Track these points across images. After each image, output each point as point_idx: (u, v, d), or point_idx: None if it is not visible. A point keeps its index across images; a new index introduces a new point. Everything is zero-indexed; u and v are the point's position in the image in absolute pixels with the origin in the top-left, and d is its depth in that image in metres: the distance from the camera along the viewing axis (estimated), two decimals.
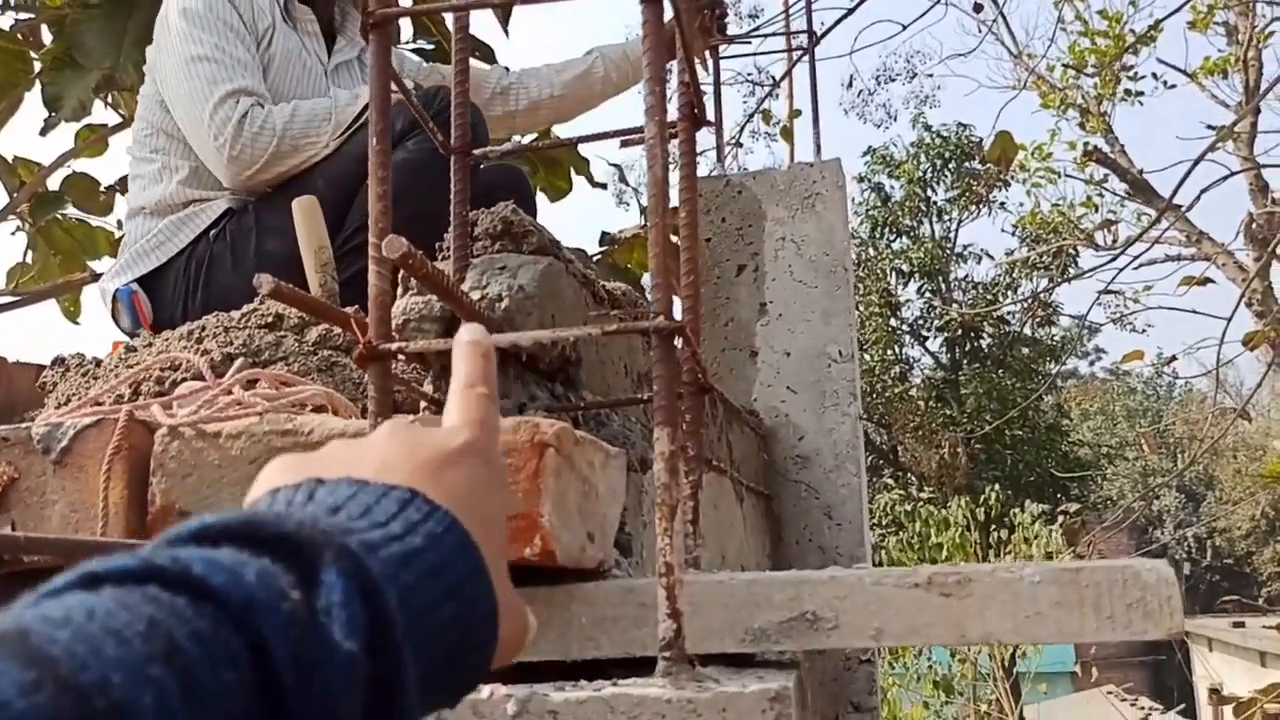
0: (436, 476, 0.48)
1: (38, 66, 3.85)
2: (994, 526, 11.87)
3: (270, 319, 1.26)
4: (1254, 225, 7.60)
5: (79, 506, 0.93)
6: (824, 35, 2.64)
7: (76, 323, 4.56)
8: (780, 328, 2.38)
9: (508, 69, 2.49)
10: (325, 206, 1.79)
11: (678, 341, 0.87)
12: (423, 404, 1.05)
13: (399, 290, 1.08)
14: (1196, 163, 4.65)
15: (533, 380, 1.10)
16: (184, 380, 1.16)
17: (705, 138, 2.76)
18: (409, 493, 0.46)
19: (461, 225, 1.08)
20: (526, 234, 1.12)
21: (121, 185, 4.23)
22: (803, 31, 2.81)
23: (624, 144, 1.09)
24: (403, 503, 0.45)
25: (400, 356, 0.99)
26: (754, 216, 2.45)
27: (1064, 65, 9.33)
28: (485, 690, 0.78)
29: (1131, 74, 9.90)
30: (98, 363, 1.32)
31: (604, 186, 4.87)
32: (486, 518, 0.49)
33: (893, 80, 16.30)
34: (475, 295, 1.03)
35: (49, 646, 0.31)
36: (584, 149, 4.12)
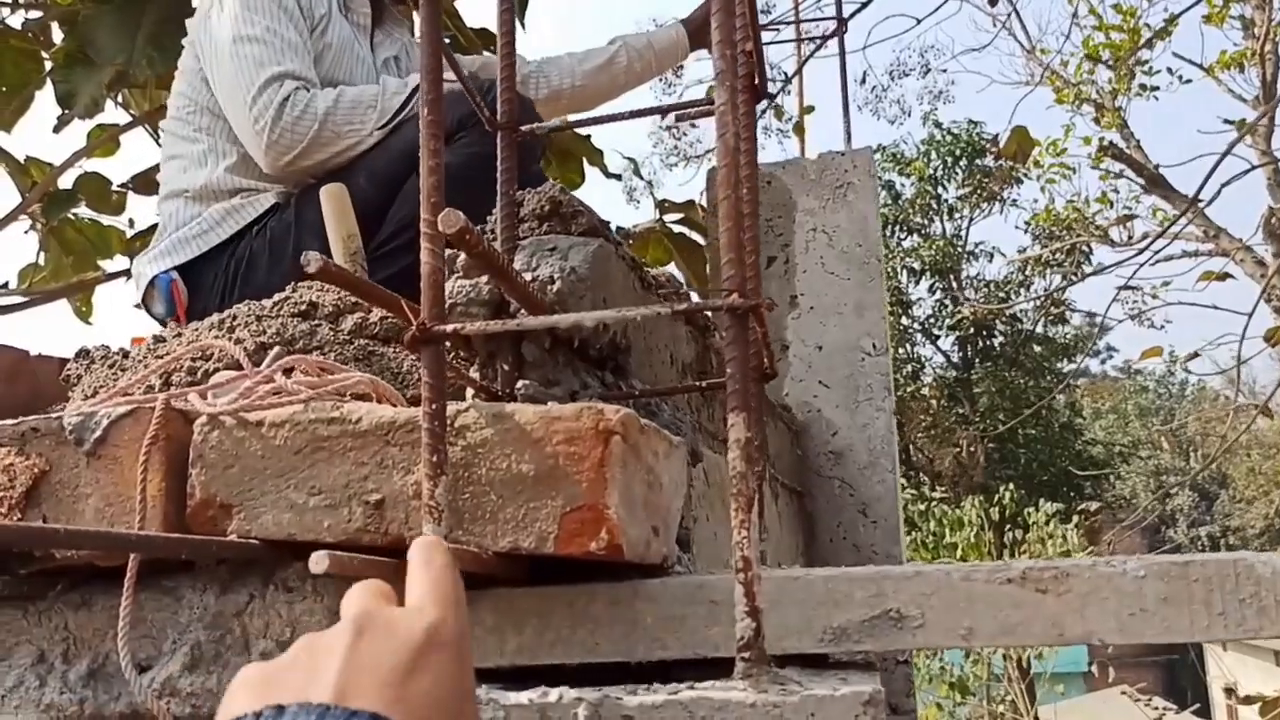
0: (403, 688, 0.47)
1: (49, 66, 3.82)
2: (1009, 526, 11.79)
3: (304, 307, 1.21)
4: (1273, 220, 7.52)
5: (114, 500, 0.88)
6: (852, 16, 2.58)
7: (89, 323, 4.53)
8: (812, 321, 2.33)
9: (526, 59, 2.42)
10: (368, 203, 1.73)
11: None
12: (469, 391, 1.00)
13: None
14: (1223, 157, 4.59)
15: (583, 368, 1.05)
16: (217, 369, 1.11)
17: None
18: None
19: (509, 205, 1.03)
20: (576, 214, 1.07)
21: (135, 183, 4.19)
22: (824, 19, 2.77)
23: (680, 118, 1.03)
24: None
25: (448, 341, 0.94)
26: (784, 207, 2.40)
27: (1083, 56, 9.25)
28: (554, 694, 0.73)
29: (1147, 69, 9.83)
30: (125, 354, 1.27)
31: (618, 178, 4.82)
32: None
33: (906, 75, 16.21)
34: (526, 277, 0.98)
35: None
36: (597, 140, 4.06)
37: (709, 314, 1.49)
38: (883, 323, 2.32)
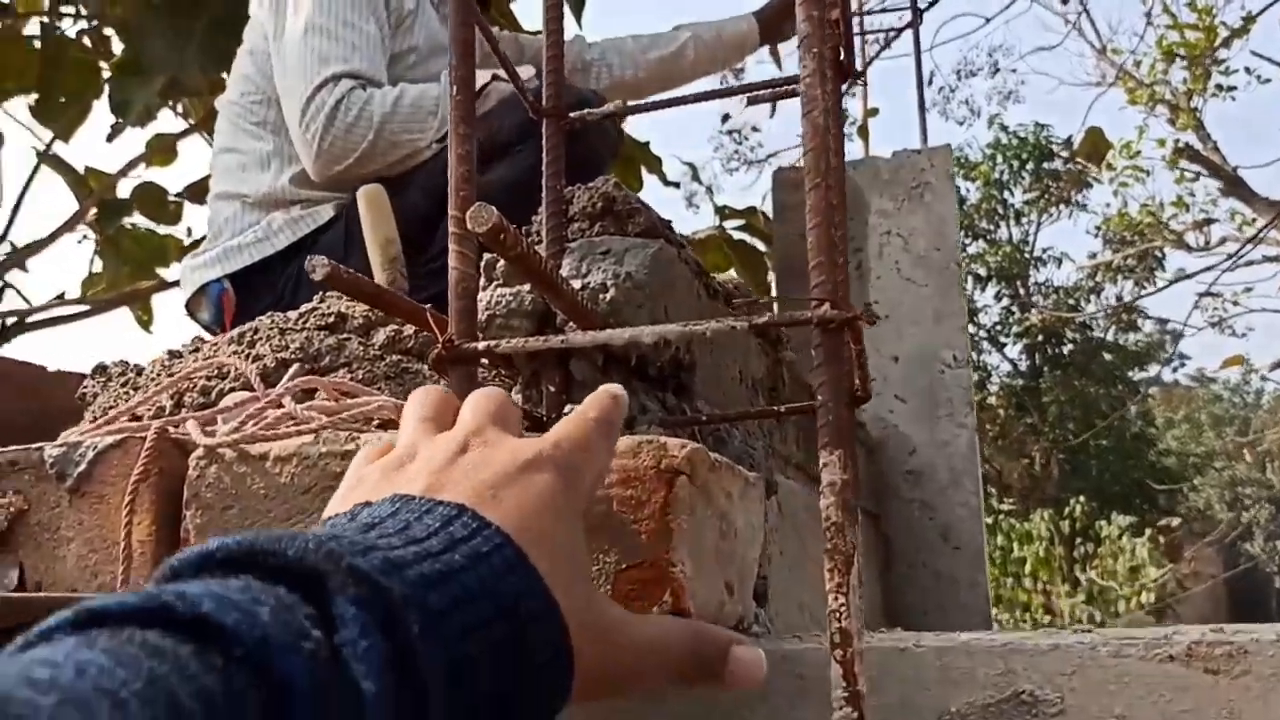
0: (496, 493, 0.46)
1: (106, 75, 3.80)
2: (1079, 540, 11.41)
3: (331, 319, 1.09)
4: None
5: (98, 545, 0.76)
6: (929, 8, 2.42)
7: (149, 331, 4.50)
8: (887, 330, 2.17)
9: (587, 41, 2.26)
10: (418, 213, 1.60)
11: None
12: None
13: (481, 281, 0.90)
14: None
15: (641, 389, 0.92)
16: (232, 390, 0.99)
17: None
18: (455, 509, 0.43)
19: (555, 202, 0.90)
20: (632, 213, 0.93)
21: (191, 193, 4.15)
22: (896, 9, 2.61)
23: (752, 101, 0.90)
24: (446, 519, 0.43)
25: (484, 360, 0.81)
26: (856, 208, 2.24)
27: (1161, 53, 8.93)
28: None
29: (1223, 68, 9.49)
30: (139, 371, 1.16)
31: (676, 186, 4.68)
32: (552, 535, 0.46)
33: (974, 75, 15.77)
34: (575, 284, 0.85)
35: (33, 717, 0.26)
36: (655, 147, 3.94)
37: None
38: (963, 333, 2.16)
